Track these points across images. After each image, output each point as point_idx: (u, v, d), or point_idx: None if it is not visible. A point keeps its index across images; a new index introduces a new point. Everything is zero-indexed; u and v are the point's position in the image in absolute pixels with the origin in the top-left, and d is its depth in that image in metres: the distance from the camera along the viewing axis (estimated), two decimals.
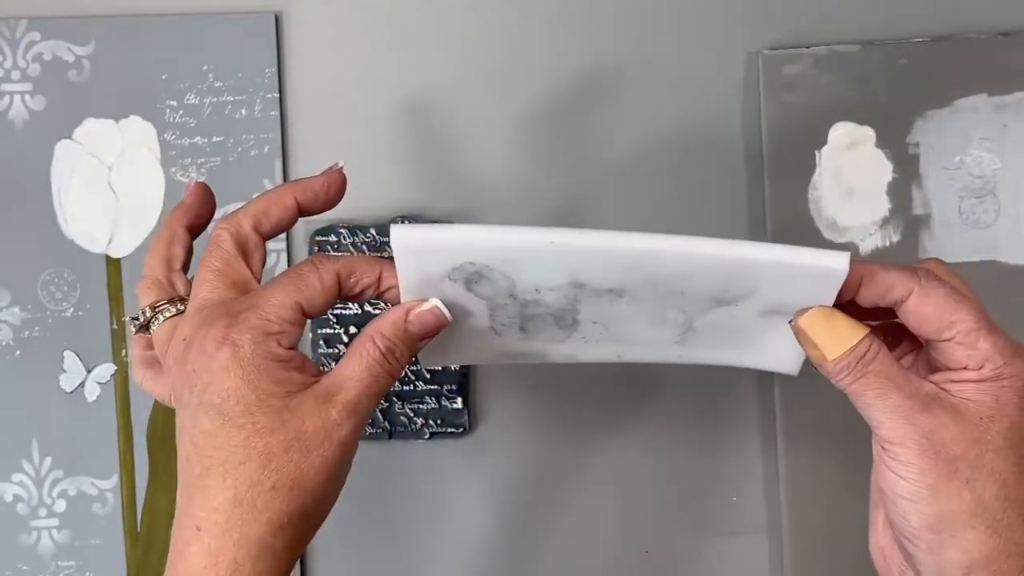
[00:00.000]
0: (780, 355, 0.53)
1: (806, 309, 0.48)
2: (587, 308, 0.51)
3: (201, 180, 0.57)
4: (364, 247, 0.67)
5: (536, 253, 0.48)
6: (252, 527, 0.45)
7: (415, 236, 0.49)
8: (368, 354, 0.48)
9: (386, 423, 0.68)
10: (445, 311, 0.50)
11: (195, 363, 0.46)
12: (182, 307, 0.51)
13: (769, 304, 0.50)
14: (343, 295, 0.50)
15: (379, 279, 0.50)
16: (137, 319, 0.52)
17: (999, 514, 0.46)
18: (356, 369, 0.48)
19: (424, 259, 0.49)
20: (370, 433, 0.68)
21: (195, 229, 0.54)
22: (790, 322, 0.49)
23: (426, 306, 0.50)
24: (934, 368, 0.49)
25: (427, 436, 0.68)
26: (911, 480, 0.46)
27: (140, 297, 0.52)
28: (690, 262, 0.48)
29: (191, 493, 0.46)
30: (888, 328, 0.51)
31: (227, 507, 0.45)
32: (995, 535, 0.46)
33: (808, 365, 0.51)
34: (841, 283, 0.47)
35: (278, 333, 0.47)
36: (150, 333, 0.52)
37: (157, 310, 0.51)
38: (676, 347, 0.54)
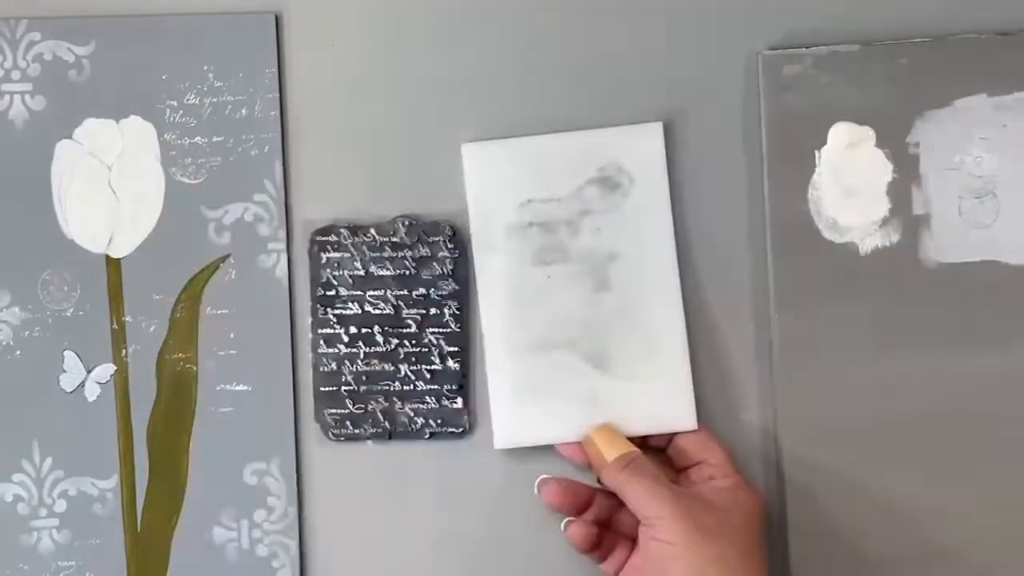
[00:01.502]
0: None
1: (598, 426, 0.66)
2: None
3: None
4: (364, 247, 0.67)
5: None
6: None
7: None
8: None
9: (386, 423, 0.68)
10: None
11: None
12: None
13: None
14: None
15: None
16: None
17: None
18: None
19: None
20: (370, 433, 0.68)
21: None
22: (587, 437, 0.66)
23: None
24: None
25: (427, 436, 0.68)
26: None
27: None
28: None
29: None
30: None
31: None
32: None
33: None
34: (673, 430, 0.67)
35: None
36: None
37: None
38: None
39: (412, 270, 0.67)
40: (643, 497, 0.62)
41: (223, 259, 0.67)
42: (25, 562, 0.67)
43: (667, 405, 0.67)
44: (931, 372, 0.68)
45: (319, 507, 0.68)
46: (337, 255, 0.67)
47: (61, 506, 0.67)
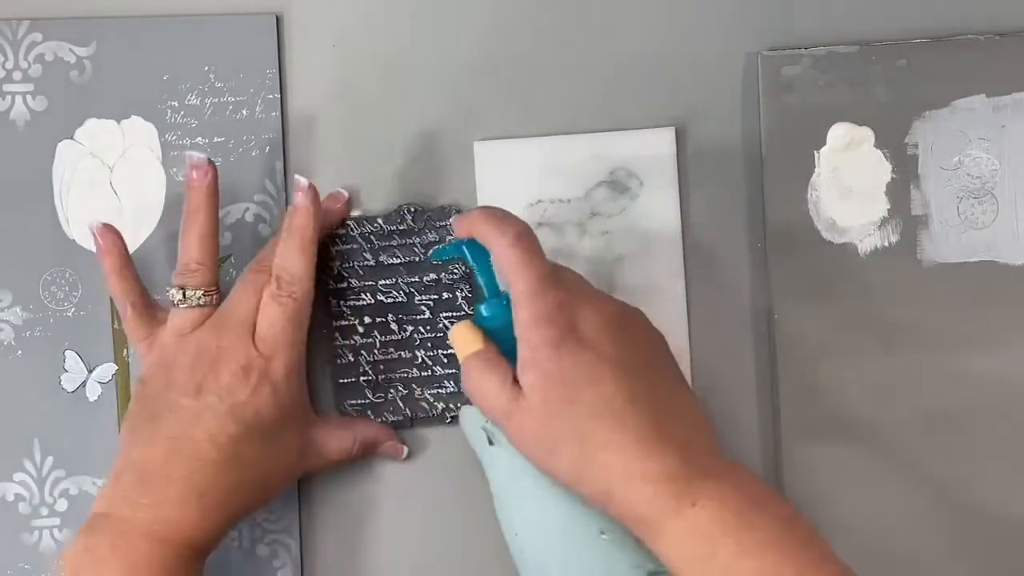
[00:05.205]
0: None
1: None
2: None
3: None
4: (372, 237, 0.67)
5: None
6: None
7: None
8: None
9: (407, 410, 0.67)
10: None
11: None
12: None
13: None
14: None
15: None
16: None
17: None
18: None
19: None
20: (392, 421, 0.67)
21: None
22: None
23: None
24: None
25: (448, 420, 0.68)
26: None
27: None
28: None
29: None
30: None
31: None
32: None
33: None
34: None
35: None
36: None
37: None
38: None
39: (421, 256, 0.67)
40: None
41: (224, 259, 0.68)
42: (26, 561, 0.66)
43: None
44: (930, 372, 0.68)
45: (321, 506, 0.68)
46: (345, 247, 0.67)
47: (62, 505, 0.67)
